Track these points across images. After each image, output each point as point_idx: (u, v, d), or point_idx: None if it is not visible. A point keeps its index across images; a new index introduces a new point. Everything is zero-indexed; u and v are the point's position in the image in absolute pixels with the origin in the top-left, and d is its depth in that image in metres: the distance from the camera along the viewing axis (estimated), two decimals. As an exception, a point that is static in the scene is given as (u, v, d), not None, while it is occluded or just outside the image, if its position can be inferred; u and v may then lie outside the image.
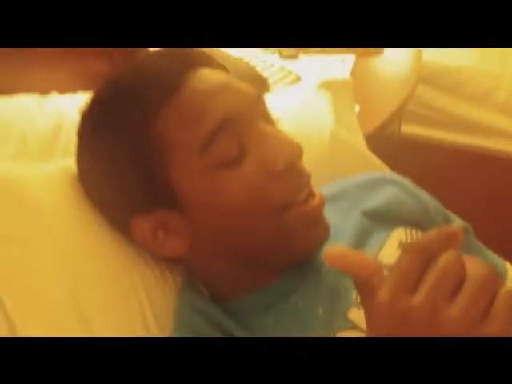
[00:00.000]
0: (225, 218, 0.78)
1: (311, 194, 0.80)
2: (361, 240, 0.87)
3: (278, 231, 0.78)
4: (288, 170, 0.77)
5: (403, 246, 0.55)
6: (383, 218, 0.91)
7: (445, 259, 0.53)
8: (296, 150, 0.78)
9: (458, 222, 0.98)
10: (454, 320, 0.51)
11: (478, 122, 2.17)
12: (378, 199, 0.93)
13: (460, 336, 0.51)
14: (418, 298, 0.52)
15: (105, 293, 0.84)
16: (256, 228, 0.78)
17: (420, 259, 0.54)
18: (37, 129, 1.01)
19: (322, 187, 0.94)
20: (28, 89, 1.14)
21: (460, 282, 0.53)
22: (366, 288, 0.56)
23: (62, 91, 1.18)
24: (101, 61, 1.35)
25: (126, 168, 0.78)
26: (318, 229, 0.81)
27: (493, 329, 0.51)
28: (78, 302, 0.82)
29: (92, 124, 0.82)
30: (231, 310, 0.82)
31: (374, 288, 0.55)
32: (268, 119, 0.82)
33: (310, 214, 0.79)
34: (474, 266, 0.53)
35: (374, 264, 0.57)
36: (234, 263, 0.82)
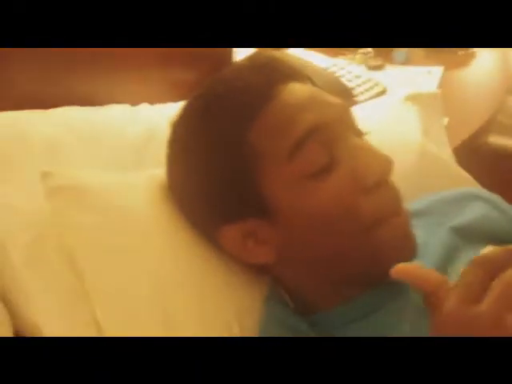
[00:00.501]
0: (312, 230, 0.78)
1: (400, 210, 0.80)
2: (449, 257, 0.86)
3: (366, 247, 0.78)
4: (378, 184, 0.77)
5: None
6: (473, 235, 0.89)
7: (509, 274, 0.55)
8: (387, 165, 0.78)
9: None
10: None
11: None
12: (467, 215, 0.92)
13: None
14: (484, 306, 0.54)
15: (190, 298, 0.85)
16: (344, 243, 0.78)
17: (487, 271, 0.56)
18: (127, 139, 1.04)
19: (409, 202, 0.94)
20: (118, 100, 1.18)
21: None
22: (432, 300, 0.58)
23: (151, 102, 1.21)
24: (188, 71, 1.37)
25: (218, 177, 0.80)
26: (406, 245, 0.79)
27: None
28: (163, 307, 0.83)
29: (184, 134, 0.85)
30: (315, 323, 0.82)
31: (440, 300, 0.57)
32: (357, 132, 0.82)
33: (399, 230, 0.78)
34: None
35: (439, 278, 0.59)
36: (320, 276, 0.82)
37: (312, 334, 0.80)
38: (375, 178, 0.77)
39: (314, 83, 0.86)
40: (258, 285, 0.90)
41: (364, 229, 0.77)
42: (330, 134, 0.77)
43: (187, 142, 0.84)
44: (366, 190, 0.77)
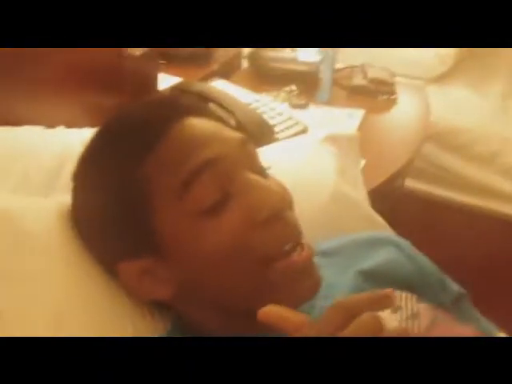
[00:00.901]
0: (207, 266, 0.77)
1: (299, 245, 0.78)
2: None
3: (262, 283, 0.77)
4: (272, 219, 0.76)
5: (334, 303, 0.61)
6: (379, 280, 0.89)
7: (364, 319, 0.58)
8: (281, 200, 0.78)
9: (455, 287, 0.97)
10: None
11: (483, 184, 2.17)
12: (375, 260, 0.92)
13: None
14: None
15: (88, 330, 0.82)
16: (239, 279, 0.77)
17: (343, 315, 0.59)
18: (40, 162, 1.01)
19: (319, 242, 0.94)
20: (34, 122, 1.15)
21: None
22: None
23: (68, 125, 1.19)
24: (112, 99, 1.35)
25: (113, 214, 0.79)
26: (306, 281, 0.78)
27: None
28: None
29: (84, 169, 0.84)
30: None
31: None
32: (256, 168, 0.81)
33: (297, 266, 0.77)
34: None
35: (298, 319, 0.63)
36: (219, 313, 0.81)
37: None
38: (266, 214, 0.76)
39: (216, 118, 0.85)
40: (161, 318, 0.88)
41: (258, 264, 0.76)
42: (222, 170, 0.77)
43: (87, 176, 0.84)
44: (258, 225, 0.76)
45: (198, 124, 0.81)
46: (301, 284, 0.78)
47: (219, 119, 0.85)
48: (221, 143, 0.79)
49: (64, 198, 0.89)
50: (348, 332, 0.58)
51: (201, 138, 0.78)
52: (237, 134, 0.82)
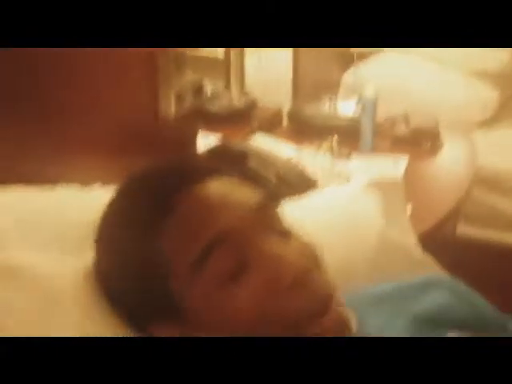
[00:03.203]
0: (227, 331, 0.75)
1: (328, 308, 0.75)
2: None
3: None
4: (294, 285, 0.74)
5: None
6: (434, 323, 0.85)
7: None
8: (302, 270, 0.75)
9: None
10: None
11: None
12: (429, 304, 0.88)
13: None
14: None
15: None
16: None
17: None
18: (73, 219, 1.00)
19: (368, 289, 0.91)
20: (70, 181, 1.14)
21: None
22: None
23: (106, 184, 1.18)
24: (149, 159, 1.34)
25: (137, 277, 0.79)
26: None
27: None
28: None
29: (104, 231, 0.83)
30: None
31: None
32: (276, 231, 0.78)
33: (327, 330, 0.74)
34: None
35: None
36: None
37: None
38: (288, 283, 0.73)
39: (234, 176, 0.83)
40: None
41: (290, 329, 0.74)
42: (236, 240, 0.75)
43: (106, 239, 0.83)
44: (279, 294, 0.73)
45: (217, 188, 0.79)
46: None
47: (241, 178, 0.83)
48: (233, 209, 0.77)
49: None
50: None
51: (214, 206, 0.76)
52: (255, 198, 0.80)
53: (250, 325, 0.73)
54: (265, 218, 0.78)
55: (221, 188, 0.79)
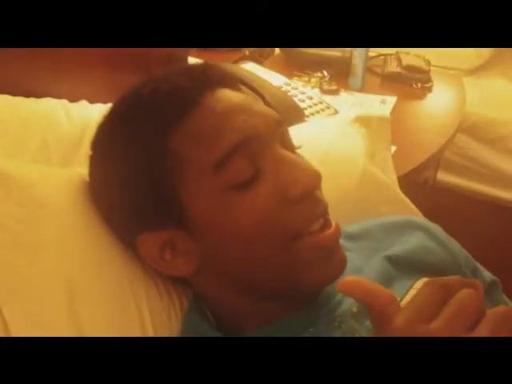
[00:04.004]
0: (233, 242, 0.74)
1: (327, 224, 0.76)
2: (382, 285, 0.82)
3: (288, 260, 0.74)
4: (303, 197, 0.74)
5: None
6: (408, 265, 0.86)
7: (465, 292, 0.56)
8: (314, 178, 0.75)
9: (487, 275, 0.93)
10: None
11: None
12: (404, 245, 0.89)
13: None
14: (437, 323, 0.54)
15: (104, 306, 0.80)
16: (265, 256, 0.74)
17: (440, 292, 0.56)
18: (60, 135, 1.00)
19: (346, 224, 0.91)
20: (59, 95, 1.13)
21: (479, 315, 0.55)
22: (380, 317, 0.57)
23: (93, 101, 1.16)
24: (138, 78, 1.33)
25: (137, 183, 0.76)
26: (332, 260, 0.76)
27: None
28: (74, 313, 0.78)
29: (107, 136, 0.80)
30: None
31: (390, 317, 0.56)
32: (288, 145, 0.79)
33: (324, 243, 0.75)
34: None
35: (389, 294, 0.57)
36: (242, 293, 0.78)
37: None
38: (299, 191, 0.73)
39: (248, 92, 0.83)
40: (179, 296, 0.86)
41: (286, 241, 0.74)
42: (257, 146, 0.74)
43: (108, 145, 0.80)
44: (289, 202, 0.73)
45: (234, 95, 0.77)
46: (326, 263, 0.76)
47: (249, 94, 0.82)
48: (257, 117, 0.76)
49: (82, 169, 0.87)
50: (450, 309, 0.55)
51: (237, 110, 0.75)
52: (272, 111, 0.79)
53: (252, 232, 0.73)
54: (281, 132, 0.78)
55: (240, 95, 0.78)
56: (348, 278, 0.58)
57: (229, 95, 0.77)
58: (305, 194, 0.74)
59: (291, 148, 0.79)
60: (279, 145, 0.77)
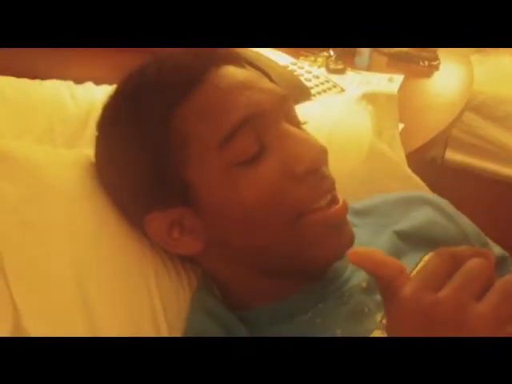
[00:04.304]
0: (240, 218, 0.74)
1: (334, 200, 0.76)
2: None
3: (295, 237, 0.74)
4: (309, 173, 0.74)
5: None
6: (417, 240, 0.86)
7: (475, 261, 0.55)
8: (320, 154, 0.75)
9: (497, 250, 0.93)
10: (481, 316, 0.52)
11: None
12: (413, 220, 0.89)
13: (485, 335, 0.52)
14: (445, 292, 0.54)
15: (113, 285, 0.80)
16: (271, 232, 0.74)
17: (449, 261, 0.56)
18: (66, 116, 1.00)
19: (354, 200, 0.90)
20: (64, 76, 1.12)
21: (488, 285, 0.54)
22: (389, 288, 0.56)
23: (99, 83, 1.16)
24: (146, 57, 1.32)
25: (144, 162, 0.76)
26: (339, 236, 0.76)
27: None
28: (84, 293, 0.78)
29: (112, 116, 0.80)
30: (246, 319, 0.78)
31: (398, 287, 0.55)
32: (293, 122, 0.78)
33: (331, 220, 0.75)
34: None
35: (398, 264, 0.57)
36: (250, 270, 0.79)
37: (242, 330, 0.77)
38: (305, 167, 0.73)
39: (254, 69, 0.82)
40: (187, 274, 0.86)
41: (292, 217, 0.74)
42: (262, 122, 0.74)
43: (113, 125, 0.80)
44: (295, 178, 0.73)
45: (238, 72, 0.77)
46: (333, 239, 0.75)
47: (255, 71, 0.82)
48: (260, 94, 0.75)
49: (88, 151, 0.87)
50: (459, 279, 0.54)
51: (242, 86, 0.75)
52: (277, 87, 0.79)
53: (259, 209, 0.73)
54: (286, 107, 0.78)
55: (246, 72, 0.78)
56: (359, 248, 0.59)
57: (233, 72, 0.76)
58: (310, 170, 0.74)
59: (297, 124, 0.79)
60: (285, 121, 0.76)
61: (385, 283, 0.57)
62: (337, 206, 0.75)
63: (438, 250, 0.57)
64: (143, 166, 0.76)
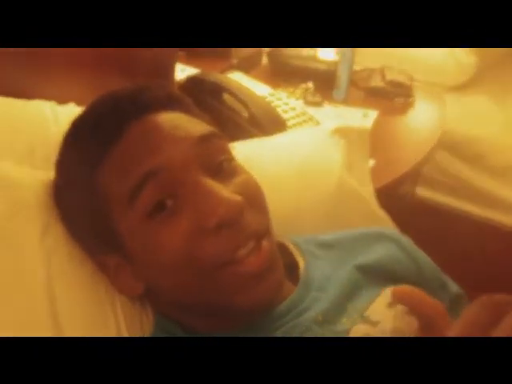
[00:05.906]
0: (162, 268, 0.77)
1: (254, 251, 0.75)
2: (350, 293, 0.85)
3: (214, 287, 0.76)
4: (222, 227, 0.73)
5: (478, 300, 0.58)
6: (376, 275, 0.88)
7: None
8: (232, 207, 0.73)
9: (454, 288, 0.96)
10: None
11: (495, 196, 2.15)
12: (372, 255, 0.91)
13: None
14: (495, 334, 0.52)
15: (83, 306, 0.84)
16: (191, 282, 0.76)
17: (493, 310, 0.53)
18: (46, 137, 1.01)
19: (319, 233, 0.93)
20: (48, 96, 1.14)
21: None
22: (430, 328, 0.58)
23: (81, 103, 1.18)
24: (124, 82, 1.35)
25: (79, 210, 0.81)
26: (259, 286, 0.76)
27: None
28: (54, 311, 0.81)
29: (59, 154, 0.86)
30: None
31: (440, 329, 0.57)
32: (213, 168, 0.78)
33: (248, 272, 0.75)
34: None
35: (440, 306, 0.60)
36: (187, 311, 0.82)
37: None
38: (215, 222, 0.73)
39: (184, 110, 0.82)
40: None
41: (210, 270, 0.75)
42: (169, 175, 0.75)
43: (57, 163, 0.86)
44: (208, 232, 0.74)
45: (158, 121, 0.78)
46: (255, 289, 0.76)
47: (188, 111, 0.83)
48: (174, 144, 0.76)
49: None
50: (502, 329, 0.52)
51: (153, 139, 0.77)
52: (197, 130, 0.79)
53: (176, 262, 0.75)
54: (207, 153, 0.78)
55: (170, 120, 0.79)
56: (404, 286, 0.61)
57: (150, 124, 0.78)
58: (222, 225, 0.73)
59: (219, 170, 0.78)
60: (202, 168, 0.76)
61: (426, 321, 0.59)
62: (257, 259, 0.75)
63: (484, 297, 0.55)
64: (80, 213, 0.82)
